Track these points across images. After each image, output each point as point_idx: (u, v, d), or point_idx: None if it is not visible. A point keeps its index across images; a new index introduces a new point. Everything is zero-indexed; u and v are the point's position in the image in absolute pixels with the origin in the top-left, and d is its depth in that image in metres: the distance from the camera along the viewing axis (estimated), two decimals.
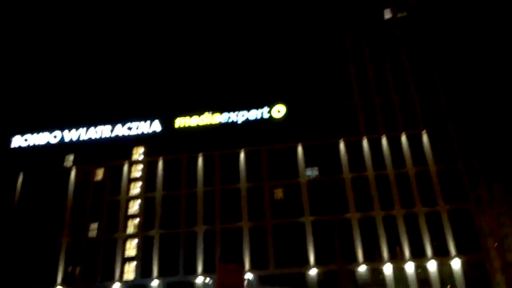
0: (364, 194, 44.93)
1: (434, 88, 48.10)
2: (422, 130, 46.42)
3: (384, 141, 46.83)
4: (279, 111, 50.13)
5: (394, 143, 46.56)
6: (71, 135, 52.07)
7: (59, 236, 46.80)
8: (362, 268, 41.72)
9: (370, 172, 45.79)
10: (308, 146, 47.99)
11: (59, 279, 44.88)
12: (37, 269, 44.53)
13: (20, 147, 52.26)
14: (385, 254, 42.08)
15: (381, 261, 41.82)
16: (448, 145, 45.48)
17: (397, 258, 41.80)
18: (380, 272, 41.73)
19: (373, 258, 42.08)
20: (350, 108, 48.69)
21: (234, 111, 50.80)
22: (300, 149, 48.08)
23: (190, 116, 51.18)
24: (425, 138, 46.18)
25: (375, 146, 46.86)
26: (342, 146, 47.41)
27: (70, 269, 45.71)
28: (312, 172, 47.63)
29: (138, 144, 51.20)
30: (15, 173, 50.31)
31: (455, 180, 43.99)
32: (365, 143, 47.16)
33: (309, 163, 47.63)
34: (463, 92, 46.66)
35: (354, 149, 47.21)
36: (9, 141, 52.51)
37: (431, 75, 48.80)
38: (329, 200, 44.62)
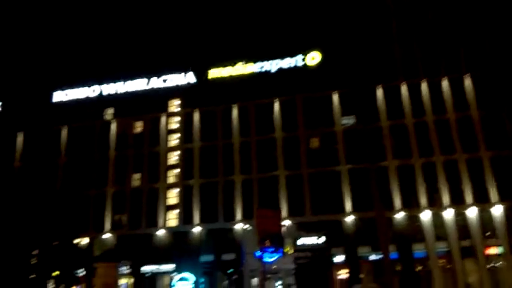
0: (402, 142, 44.12)
1: (478, 30, 45.14)
2: (465, 74, 44.23)
3: (424, 86, 45.11)
4: (314, 58, 48.86)
5: (435, 88, 44.79)
6: (109, 89, 53.21)
7: (104, 186, 49.22)
8: (399, 215, 41.83)
9: (408, 119, 44.64)
10: (344, 94, 46.97)
11: (107, 226, 47.79)
12: (87, 217, 47.42)
13: (61, 101, 54.11)
14: (424, 200, 41.85)
15: (419, 208, 41.71)
16: (491, 90, 43.37)
17: (435, 205, 41.52)
18: (418, 219, 41.77)
19: (411, 205, 41.99)
20: (388, 52, 46.72)
21: (267, 60, 49.95)
22: (335, 96, 47.17)
23: (224, 66, 50.81)
24: (467, 82, 44.10)
25: (414, 91, 45.29)
26: (379, 92, 46.12)
27: (117, 216, 48.45)
28: (348, 120, 46.96)
29: (174, 97, 51.78)
30: (58, 127, 52.45)
31: (498, 126, 42.32)
32: (404, 88, 45.60)
33: (345, 111, 46.84)
34: (508, 34, 43.45)
35: (392, 95, 45.85)
36: (51, 96, 54.39)
37: (475, 16, 45.66)
38: (366, 148, 44.09)
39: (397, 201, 42.20)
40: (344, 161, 44.72)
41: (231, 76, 50.34)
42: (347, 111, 46.79)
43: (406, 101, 45.27)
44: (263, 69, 49.83)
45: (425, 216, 41.50)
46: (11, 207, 31.95)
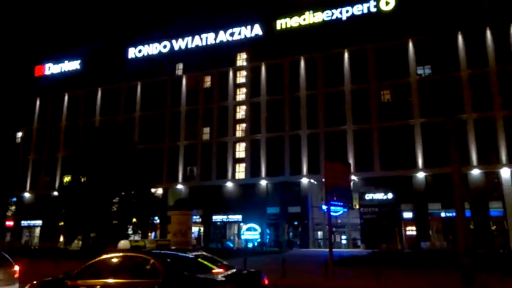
0: (483, 93, 40.74)
1: None
2: None
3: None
4: (388, 3, 45.77)
5: None
6: (178, 44, 54.36)
7: (177, 140, 51.41)
8: (476, 171, 39.45)
9: (492, 67, 40.85)
10: (420, 42, 43.80)
11: (180, 177, 50.39)
12: (161, 168, 50.26)
13: (135, 57, 56.39)
14: (504, 156, 38.90)
15: (498, 165, 38.94)
16: None
17: None
18: (496, 176, 39.15)
19: (489, 161, 39.32)
20: None
21: (337, 7, 47.69)
22: (410, 45, 44.21)
23: (291, 16, 49.40)
24: None
25: (500, 37, 41.06)
26: (459, 39, 42.43)
27: (189, 168, 50.81)
28: (423, 70, 44.08)
29: (241, 50, 51.69)
30: (134, 83, 54.97)
31: None
32: (488, 34, 41.51)
33: (420, 60, 43.91)
34: None
35: (474, 42, 41.99)
36: (127, 53, 56.78)
37: None
38: (442, 100, 41.22)
39: (474, 157, 39.66)
40: (418, 114, 42.45)
41: (298, 26, 48.94)
42: (423, 61, 43.84)
43: (490, 48, 41.29)
44: (333, 17, 47.77)
45: (505, 173, 38.70)
46: (94, 160, 34.57)
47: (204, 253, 8.79)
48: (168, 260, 7.52)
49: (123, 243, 8.32)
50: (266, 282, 7.87)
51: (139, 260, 7.71)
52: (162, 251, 8.20)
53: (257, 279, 7.84)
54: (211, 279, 7.14)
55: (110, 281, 7.61)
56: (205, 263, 8.05)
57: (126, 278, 7.56)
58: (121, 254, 8.04)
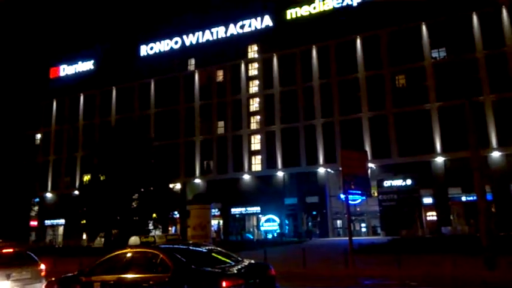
0: (501, 73, 39.83)
1: None
2: None
3: None
4: None
5: None
6: (189, 39, 54.47)
7: (192, 135, 51.79)
8: (495, 154, 38.75)
9: (509, 47, 39.88)
10: (434, 24, 42.99)
11: (197, 172, 50.76)
12: (178, 164, 50.71)
13: (147, 54, 56.73)
14: None
15: None
16: None
17: None
18: None
19: (510, 143, 38.55)
20: None
21: None
22: (424, 28, 43.44)
23: (301, 6, 48.97)
24: None
25: None
26: (475, 20, 41.49)
27: (205, 162, 51.13)
28: (438, 53, 43.32)
29: (252, 42, 51.55)
30: (147, 80, 55.38)
31: None
32: (504, 13, 40.50)
33: (435, 43, 43.14)
34: None
35: (490, 22, 41.02)
36: (138, 50, 57.15)
37: None
38: (458, 82, 40.52)
39: (494, 139, 38.93)
40: (434, 98, 41.80)
41: (309, 15, 48.52)
42: (437, 44, 43.07)
43: (506, 27, 40.31)
44: (343, 4, 47.17)
45: None
46: (112, 158, 35.05)
47: (218, 248, 8.96)
48: (177, 254, 7.68)
49: (133, 240, 8.53)
50: (273, 273, 8.04)
51: (149, 256, 7.94)
52: (174, 246, 8.41)
53: (264, 270, 7.99)
54: (219, 272, 7.29)
55: (122, 276, 7.87)
56: (218, 256, 8.22)
57: (137, 273, 7.79)
58: (132, 250, 8.25)
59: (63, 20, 62.02)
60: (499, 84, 39.65)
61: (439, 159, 40.64)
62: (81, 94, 59.39)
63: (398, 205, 40.05)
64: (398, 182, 40.94)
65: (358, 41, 45.91)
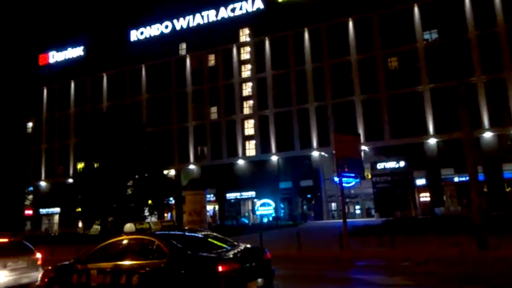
0: (493, 54, 39.88)
1: None
2: None
3: None
4: None
5: None
6: (180, 23, 53.81)
7: (185, 121, 51.57)
8: (488, 134, 39.07)
9: (500, 27, 39.87)
10: (425, 5, 42.79)
11: (191, 158, 50.73)
12: (172, 150, 50.59)
13: (138, 39, 56.03)
14: None
15: (511, 127, 38.47)
16: None
17: None
18: (509, 138, 38.73)
19: (502, 124, 38.85)
20: None
21: None
22: (416, 9, 43.25)
23: None
24: None
25: None
26: (466, 0, 41.33)
27: (199, 148, 51.08)
28: (430, 35, 43.23)
29: (244, 26, 51.04)
30: (138, 65, 54.80)
31: None
32: None
33: (426, 25, 43.00)
34: None
35: (481, 2, 40.88)
36: (129, 36, 56.40)
37: None
38: (451, 64, 40.53)
39: (486, 120, 39.20)
40: (426, 80, 41.87)
41: None
42: (429, 25, 42.94)
43: (498, 6, 40.22)
44: None
45: None
46: (105, 145, 34.88)
47: (213, 233, 9.01)
48: (173, 240, 7.71)
49: (128, 227, 8.53)
50: (269, 256, 8.15)
51: (146, 242, 7.98)
52: (170, 232, 8.42)
53: (260, 254, 8.11)
54: (215, 257, 7.36)
55: (118, 263, 7.91)
56: (214, 241, 8.28)
57: (133, 260, 7.84)
58: (128, 237, 8.27)
59: (51, 6, 60.83)
60: (491, 65, 39.73)
61: (432, 141, 40.92)
62: (72, 81, 58.75)
63: (392, 187, 40.36)
64: (391, 164, 41.16)
65: (350, 24, 45.65)
